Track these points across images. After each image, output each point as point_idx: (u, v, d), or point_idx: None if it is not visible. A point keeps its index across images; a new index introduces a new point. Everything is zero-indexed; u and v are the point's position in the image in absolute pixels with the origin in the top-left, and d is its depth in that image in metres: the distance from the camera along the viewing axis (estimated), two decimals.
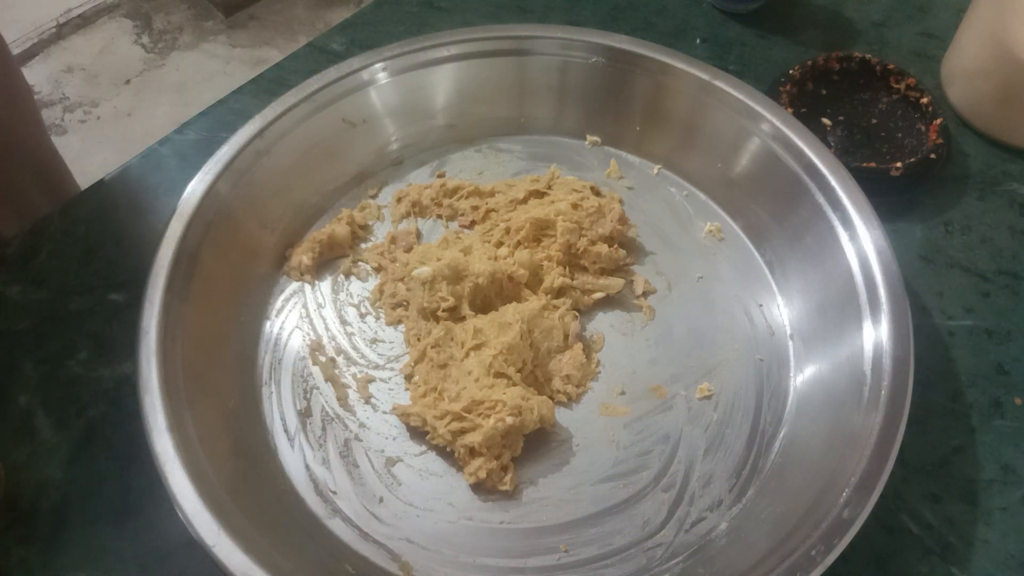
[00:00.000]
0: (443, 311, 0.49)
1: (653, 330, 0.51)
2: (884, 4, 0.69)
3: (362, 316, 0.52)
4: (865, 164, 0.54)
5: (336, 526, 0.44)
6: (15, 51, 1.68)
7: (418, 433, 0.47)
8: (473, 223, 0.55)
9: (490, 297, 0.50)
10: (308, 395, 0.48)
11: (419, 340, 0.49)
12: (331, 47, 0.65)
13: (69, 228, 0.55)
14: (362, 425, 0.48)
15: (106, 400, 0.48)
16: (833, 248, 0.48)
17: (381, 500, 0.45)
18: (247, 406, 0.47)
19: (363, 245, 0.54)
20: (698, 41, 0.66)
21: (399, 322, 0.51)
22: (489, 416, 0.45)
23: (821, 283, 0.49)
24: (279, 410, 0.48)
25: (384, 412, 0.48)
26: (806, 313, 0.50)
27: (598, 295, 0.52)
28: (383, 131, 0.57)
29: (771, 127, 0.51)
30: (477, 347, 0.48)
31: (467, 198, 0.55)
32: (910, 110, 0.60)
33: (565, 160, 0.58)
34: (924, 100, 0.59)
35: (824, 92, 0.61)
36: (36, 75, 1.67)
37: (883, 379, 0.42)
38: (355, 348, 0.50)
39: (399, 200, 0.56)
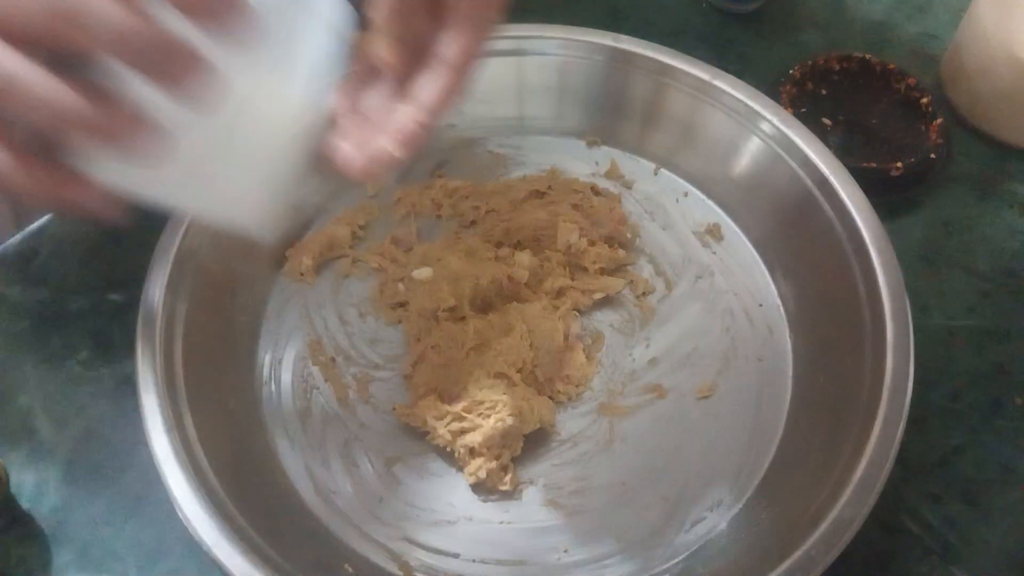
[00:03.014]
0: (443, 311, 0.49)
1: (653, 330, 0.51)
2: (884, 4, 0.69)
3: (362, 316, 0.52)
4: (865, 164, 0.54)
5: (336, 526, 0.44)
6: None
7: (418, 433, 0.47)
8: (473, 223, 0.55)
9: (490, 297, 0.50)
10: (308, 395, 0.48)
11: (419, 340, 0.49)
12: None
13: (69, 228, 0.55)
14: (362, 425, 0.48)
15: (106, 400, 0.48)
16: (833, 248, 0.48)
17: (381, 500, 0.45)
18: (247, 406, 0.47)
19: (363, 245, 0.54)
20: (698, 41, 0.66)
21: (399, 322, 0.51)
22: (489, 416, 0.45)
23: (821, 283, 0.49)
24: (279, 410, 0.48)
25: (384, 412, 0.48)
26: (806, 313, 0.50)
27: (598, 295, 0.52)
28: None
29: (771, 127, 0.51)
30: (477, 348, 0.48)
31: (467, 198, 0.55)
32: (910, 110, 0.60)
33: (565, 160, 0.58)
34: (924, 100, 0.59)
35: (824, 92, 0.61)
36: None
37: (883, 379, 0.42)
38: (355, 348, 0.50)
39: (399, 200, 0.56)
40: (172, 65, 0.26)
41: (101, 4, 0.26)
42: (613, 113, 0.57)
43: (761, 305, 0.52)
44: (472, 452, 0.45)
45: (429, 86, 0.35)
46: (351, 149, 0.34)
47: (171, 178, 0.29)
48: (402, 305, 0.51)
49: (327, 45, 0.31)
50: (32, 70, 0.27)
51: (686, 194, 0.56)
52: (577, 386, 0.49)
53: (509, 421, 0.45)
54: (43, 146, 0.29)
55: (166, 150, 0.27)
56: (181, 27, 0.26)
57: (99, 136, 0.27)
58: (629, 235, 0.54)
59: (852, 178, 0.48)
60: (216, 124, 0.29)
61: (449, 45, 0.35)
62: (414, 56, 0.36)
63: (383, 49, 0.35)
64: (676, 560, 0.43)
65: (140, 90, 0.27)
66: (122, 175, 0.29)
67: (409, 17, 0.35)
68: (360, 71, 0.37)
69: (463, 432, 0.45)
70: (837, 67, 0.61)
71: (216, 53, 0.27)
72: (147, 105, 0.27)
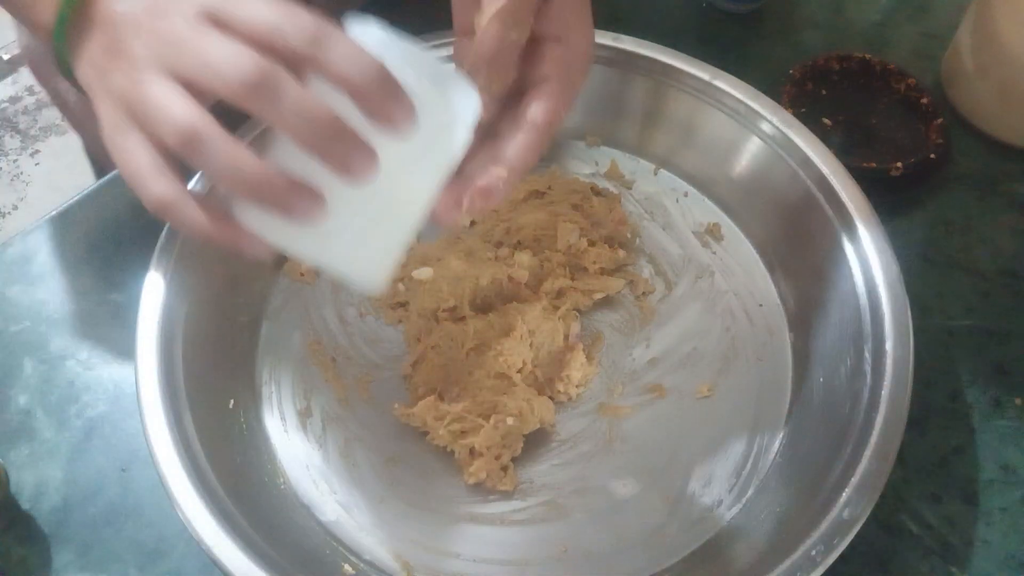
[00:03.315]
0: (443, 311, 0.49)
1: (653, 330, 0.51)
2: (884, 4, 0.69)
3: (362, 316, 0.52)
4: (865, 164, 0.54)
5: (336, 526, 0.44)
6: (16, 51, 1.68)
7: (418, 433, 0.47)
8: (473, 223, 0.55)
9: (490, 298, 0.50)
10: (308, 395, 0.48)
11: (419, 341, 0.49)
12: None
13: (69, 228, 0.55)
14: (362, 425, 0.48)
15: (106, 400, 0.48)
16: (833, 248, 0.48)
17: (381, 500, 0.45)
18: (247, 406, 0.47)
19: None
20: (698, 41, 0.66)
21: (399, 322, 0.51)
22: (489, 417, 0.45)
23: (821, 283, 0.49)
24: (279, 410, 0.48)
25: (384, 412, 0.48)
26: (806, 313, 0.50)
27: (598, 295, 0.52)
28: None
29: (771, 127, 0.51)
30: (477, 348, 0.48)
31: None
32: (910, 110, 0.60)
33: (565, 160, 0.58)
34: (924, 100, 0.59)
35: (824, 92, 0.61)
36: None
37: (883, 379, 0.42)
38: (355, 348, 0.50)
39: None
40: (341, 148, 0.30)
41: (291, 87, 0.29)
42: (613, 113, 0.57)
43: (761, 305, 0.52)
44: (472, 452, 0.45)
45: (514, 144, 0.38)
46: (445, 205, 0.36)
47: (314, 238, 0.33)
48: (402, 305, 0.51)
49: (461, 135, 0.35)
50: (220, 133, 0.30)
51: (686, 194, 0.56)
52: (577, 386, 0.49)
53: (509, 421, 0.45)
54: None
55: (320, 215, 0.31)
56: (345, 107, 0.30)
57: (267, 201, 0.30)
58: (629, 235, 0.54)
59: (852, 178, 0.48)
60: (364, 196, 0.32)
61: (537, 107, 0.38)
62: (501, 107, 0.39)
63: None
64: (676, 560, 0.43)
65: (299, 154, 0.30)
66: (269, 227, 0.32)
67: (502, 72, 0.38)
68: None
69: (463, 432, 0.45)
70: (837, 67, 0.61)
71: (375, 136, 0.31)
72: (306, 171, 0.31)
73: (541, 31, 0.38)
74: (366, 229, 0.34)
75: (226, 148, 0.30)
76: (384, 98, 0.30)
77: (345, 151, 0.30)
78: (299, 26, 0.30)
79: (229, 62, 0.29)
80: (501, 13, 0.36)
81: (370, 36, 0.32)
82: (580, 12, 0.40)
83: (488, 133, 0.39)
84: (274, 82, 0.29)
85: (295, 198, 0.30)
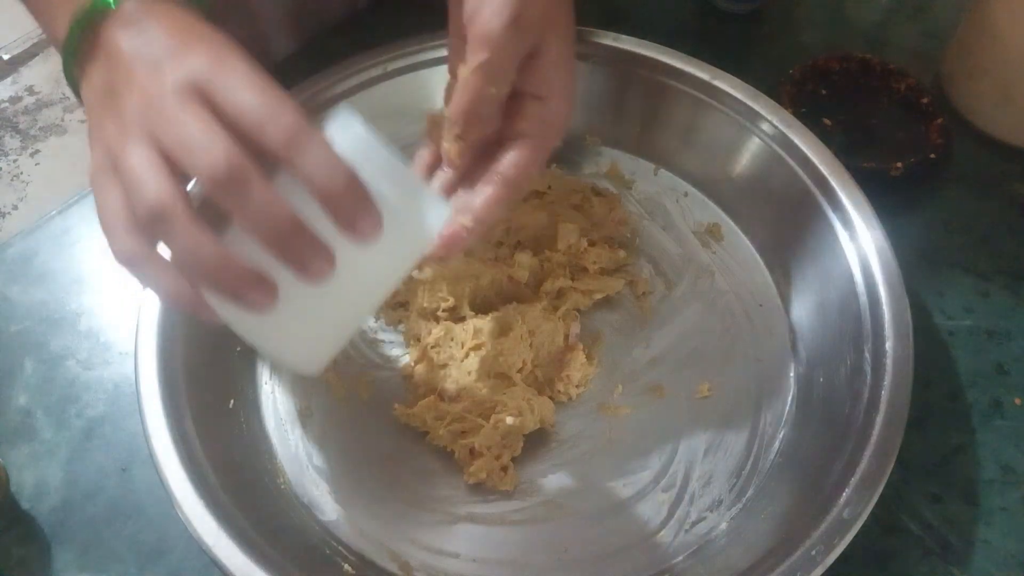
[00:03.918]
0: (443, 311, 0.49)
1: (653, 330, 0.51)
2: (884, 4, 0.69)
3: None
4: (865, 164, 0.54)
5: (336, 526, 0.44)
6: (16, 51, 1.68)
7: (418, 433, 0.47)
8: None
9: (490, 298, 0.50)
10: (308, 395, 0.48)
11: (419, 340, 0.49)
12: (331, 47, 0.65)
13: (69, 228, 0.55)
14: (362, 425, 0.47)
15: (106, 400, 0.48)
16: (833, 248, 0.48)
17: (381, 500, 0.45)
18: (247, 406, 0.48)
19: None
20: (698, 41, 0.66)
21: (399, 322, 0.51)
22: (489, 417, 0.45)
23: (821, 283, 0.49)
24: (279, 410, 0.48)
25: (384, 412, 0.48)
26: (806, 313, 0.50)
27: (598, 295, 0.52)
28: (383, 131, 0.57)
29: (771, 127, 0.51)
30: (477, 347, 0.48)
31: None
32: (910, 110, 0.60)
33: (565, 160, 0.58)
34: (924, 100, 0.59)
35: (824, 92, 0.61)
36: (36, 75, 1.67)
37: (883, 379, 0.42)
38: (355, 348, 0.50)
39: None
40: (299, 249, 0.30)
41: (256, 187, 0.29)
42: (613, 113, 0.57)
43: (761, 305, 0.52)
44: (472, 452, 0.45)
45: (482, 195, 0.39)
46: None
47: (260, 322, 0.33)
48: (402, 305, 0.51)
49: (422, 245, 0.35)
50: (184, 215, 0.30)
51: (686, 194, 0.56)
52: (577, 386, 0.49)
53: (509, 421, 0.45)
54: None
55: (269, 308, 0.31)
56: (305, 203, 0.30)
57: (218, 289, 0.30)
58: (629, 235, 0.54)
59: (852, 178, 0.48)
60: (316, 291, 0.32)
61: (509, 161, 0.39)
62: (476, 155, 0.40)
63: (452, 151, 0.39)
64: (676, 560, 0.43)
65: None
66: (220, 303, 0.32)
67: (480, 123, 0.39)
68: (427, 155, 0.42)
69: (463, 432, 0.45)
70: (837, 67, 0.61)
71: (335, 234, 0.31)
72: (261, 263, 0.31)
73: (524, 87, 0.39)
74: (313, 322, 0.35)
75: (187, 232, 0.30)
76: (352, 207, 0.30)
77: (302, 252, 0.30)
78: (278, 125, 0.29)
79: (203, 148, 0.29)
80: (482, 67, 0.37)
81: (349, 137, 0.32)
82: (563, 75, 0.40)
83: (463, 181, 0.40)
84: (241, 180, 0.29)
85: (246, 289, 0.30)
